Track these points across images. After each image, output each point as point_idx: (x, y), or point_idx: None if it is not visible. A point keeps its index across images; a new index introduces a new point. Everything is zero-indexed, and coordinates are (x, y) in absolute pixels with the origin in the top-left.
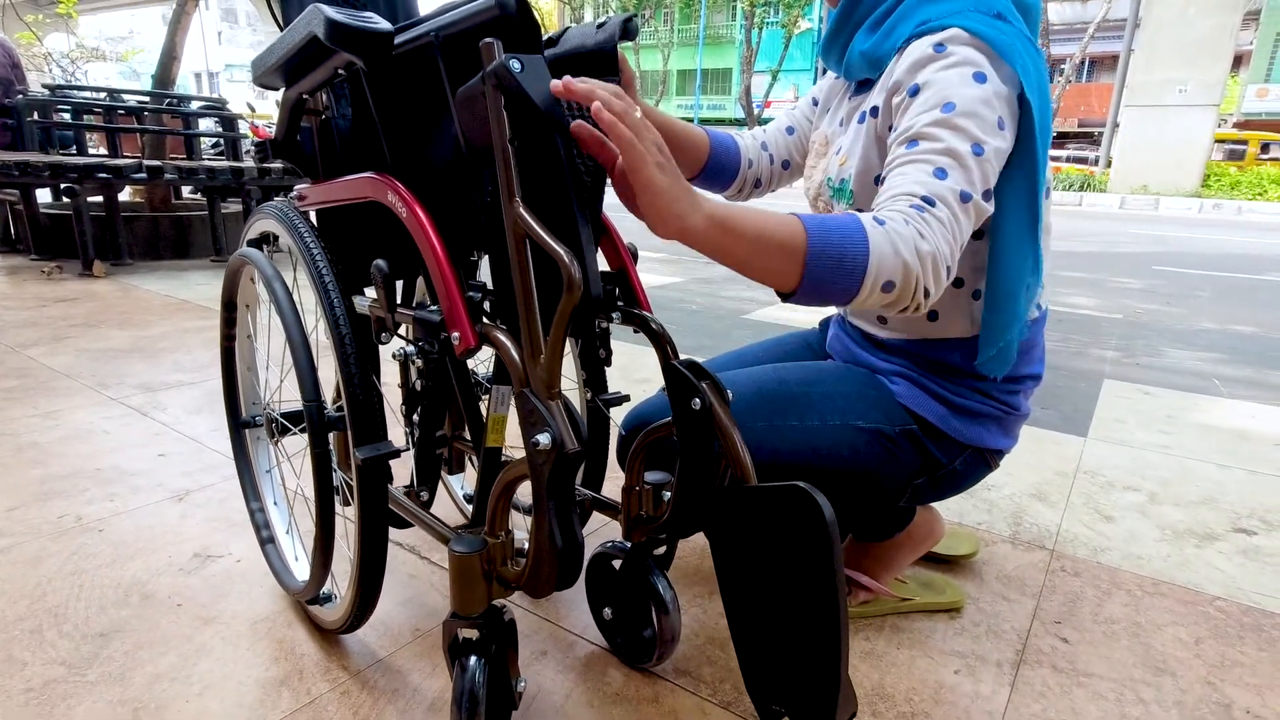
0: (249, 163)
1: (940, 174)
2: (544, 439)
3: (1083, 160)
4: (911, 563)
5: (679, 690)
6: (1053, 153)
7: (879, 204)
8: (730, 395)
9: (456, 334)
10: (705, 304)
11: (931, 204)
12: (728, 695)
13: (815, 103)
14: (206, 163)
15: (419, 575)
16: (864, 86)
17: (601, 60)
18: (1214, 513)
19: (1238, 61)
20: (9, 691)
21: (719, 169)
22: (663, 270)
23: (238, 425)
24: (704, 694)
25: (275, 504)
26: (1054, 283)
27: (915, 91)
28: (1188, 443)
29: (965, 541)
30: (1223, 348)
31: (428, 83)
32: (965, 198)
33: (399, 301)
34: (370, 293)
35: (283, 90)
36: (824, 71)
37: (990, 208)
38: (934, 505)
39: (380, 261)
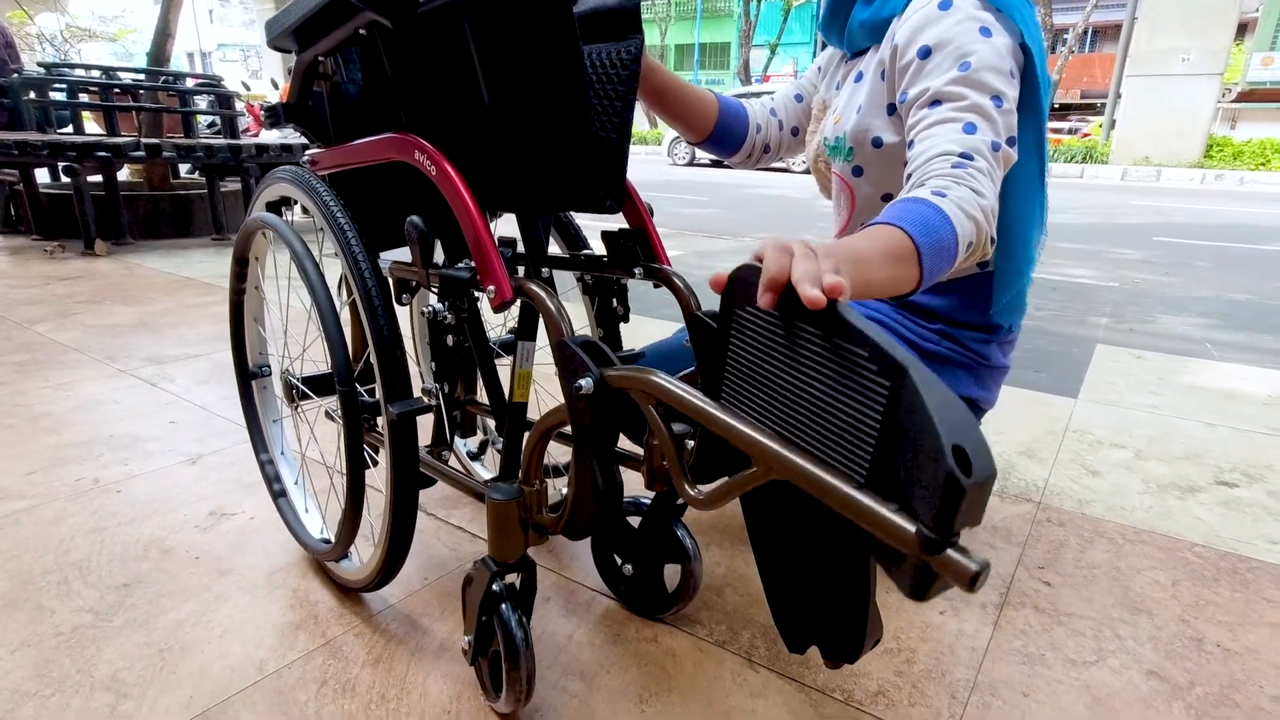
0: (247, 140)
1: (969, 129)
2: (586, 383)
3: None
4: None
5: (676, 631)
6: (1054, 124)
7: (916, 166)
8: None
9: (492, 287)
10: (706, 275)
11: (970, 158)
12: (723, 635)
13: (820, 70)
14: (205, 140)
15: (425, 530)
16: (861, 53)
17: (623, 20)
18: (1198, 467)
19: (1242, 29)
20: (41, 636)
21: (727, 133)
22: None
23: (245, 376)
24: (700, 634)
25: (283, 454)
26: (1052, 253)
27: (926, 54)
28: (1176, 403)
29: None
30: (1217, 314)
31: (450, 42)
32: (995, 147)
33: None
34: (385, 255)
35: (295, 53)
36: (824, 45)
37: (1015, 154)
38: None
39: (416, 218)
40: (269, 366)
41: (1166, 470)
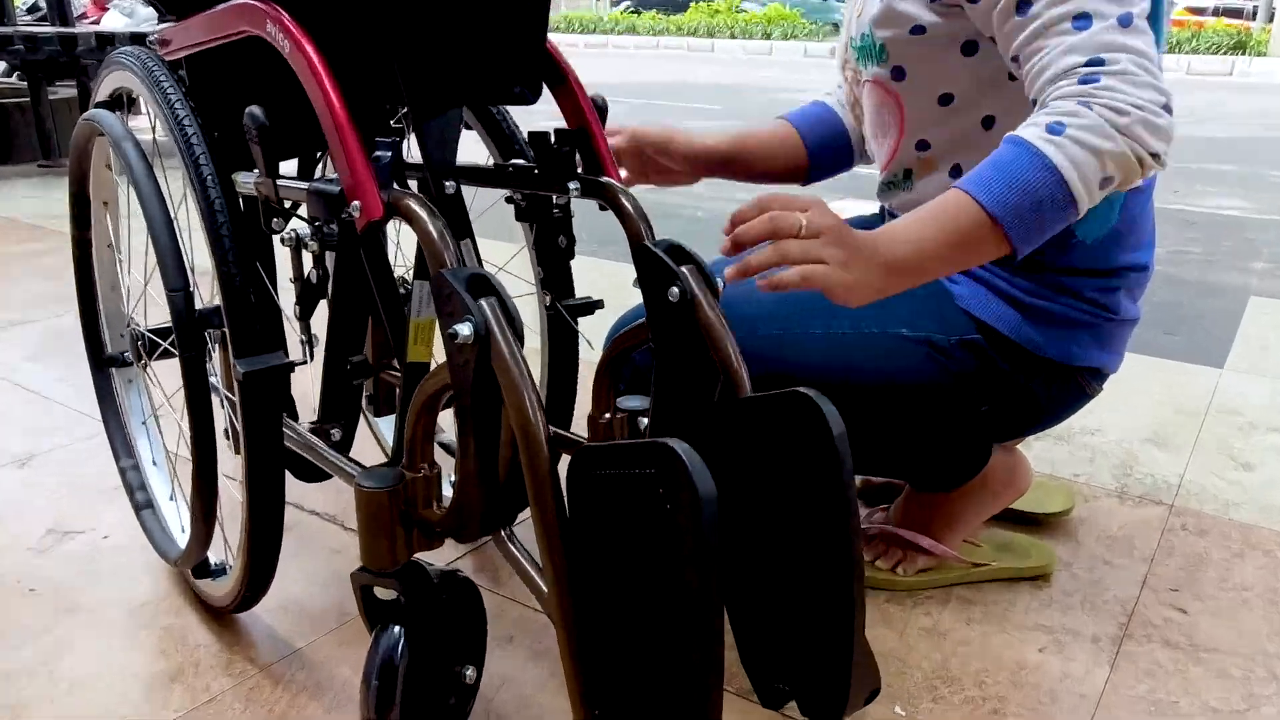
0: (84, 29)
1: (1081, 24)
2: (464, 329)
3: (1236, 13)
4: (986, 520)
5: None
6: (1196, 4)
7: (1037, 90)
8: (721, 285)
9: (358, 203)
10: (715, 208)
11: (1101, 63)
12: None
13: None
14: (25, 29)
15: (343, 550)
16: None
17: None
18: None
19: None
20: None
21: (828, 154)
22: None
23: (101, 364)
24: None
25: (155, 464)
26: (1190, 177)
27: None
28: None
29: (1057, 496)
30: None
31: None
32: (1126, 21)
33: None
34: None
35: None
36: None
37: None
38: (1017, 447)
39: (255, 108)
40: (126, 336)
41: None
